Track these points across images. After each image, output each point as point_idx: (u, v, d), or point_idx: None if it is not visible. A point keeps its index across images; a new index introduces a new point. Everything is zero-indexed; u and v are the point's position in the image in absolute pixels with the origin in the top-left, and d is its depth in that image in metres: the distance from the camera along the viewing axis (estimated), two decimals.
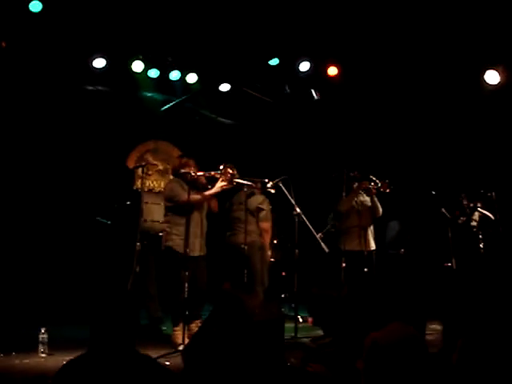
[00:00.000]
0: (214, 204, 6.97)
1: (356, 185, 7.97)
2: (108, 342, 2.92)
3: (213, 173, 6.84)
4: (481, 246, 8.30)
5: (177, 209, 6.70)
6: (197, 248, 6.74)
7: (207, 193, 6.74)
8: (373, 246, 8.05)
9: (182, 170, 6.80)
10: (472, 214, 8.50)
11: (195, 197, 6.65)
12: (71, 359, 2.90)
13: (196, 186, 6.80)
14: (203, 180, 6.83)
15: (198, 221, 6.80)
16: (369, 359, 2.45)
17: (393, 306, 4.28)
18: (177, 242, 6.59)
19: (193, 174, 6.75)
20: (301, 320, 7.85)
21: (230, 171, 6.84)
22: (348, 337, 3.68)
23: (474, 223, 8.59)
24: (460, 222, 8.38)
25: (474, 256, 8.26)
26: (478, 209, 8.49)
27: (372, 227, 8.14)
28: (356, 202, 8.02)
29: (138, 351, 2.99)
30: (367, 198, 8.08)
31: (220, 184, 6.71)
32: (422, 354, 2.37)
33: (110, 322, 2.93)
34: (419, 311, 5.57)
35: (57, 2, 8.17)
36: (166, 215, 6.95)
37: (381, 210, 8.07)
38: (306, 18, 8.75)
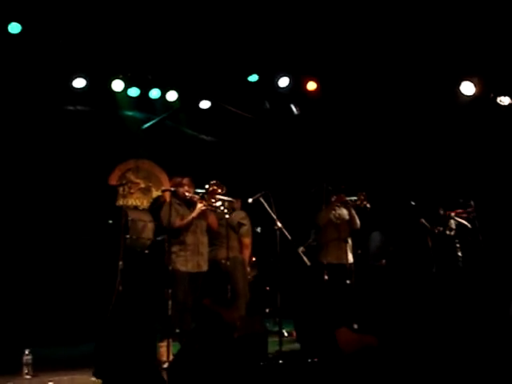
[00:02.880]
0: (212, 220, 7.06)
1: (333, 198, 8.02)
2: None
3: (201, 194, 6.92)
4: (459, 254, 8.40)
5: (168, 230, 6.77)
6: (193, 265, 6.80)
7: (189, 217, 6.81)
8: (350, 259, 8.06)
9: (172, 189, 6.87)
10: (447, 224, 8.60)
11: (180, 223, 6.76)
12: None
13: (190, 204, 6.90)
14: (196, 200, 6.89)
15: (193, 238, 6.88)
16: None
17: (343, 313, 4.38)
18: (173, 260, 6.65)
19: (187, 194, 6.84)
20: (286, 334, 7.89)
21: (218, 189, 6.91)
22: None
23: (451, 232, 8.68)
24: (436, 231, 8.48)
25: (452, 264, 8.35)
26: (455, 217, 8.60)
27: (350, 240, 8.16)
28: (334, 215, 8.06)
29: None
30: (345, 211, 8.11)
31: (199, 206, 6.79)
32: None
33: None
34: (397, 322, 5.63)
35: (36, 24, 8.21)
36: (164, 233, 7.05)
37: (358, 222, 8.09)
38: (284, 34, 8.84)
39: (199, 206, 6.79)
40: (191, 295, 6.68)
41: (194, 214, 6.81)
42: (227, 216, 7.16)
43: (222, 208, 6.97)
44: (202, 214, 6.86)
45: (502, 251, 8.52)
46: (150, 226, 7.50)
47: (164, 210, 6.94)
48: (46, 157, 8.91)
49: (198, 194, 6.93)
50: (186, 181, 6.97)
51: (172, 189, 6.77)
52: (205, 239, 7.03)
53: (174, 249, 6.70)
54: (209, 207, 6.84)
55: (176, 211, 6.77)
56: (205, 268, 6.94)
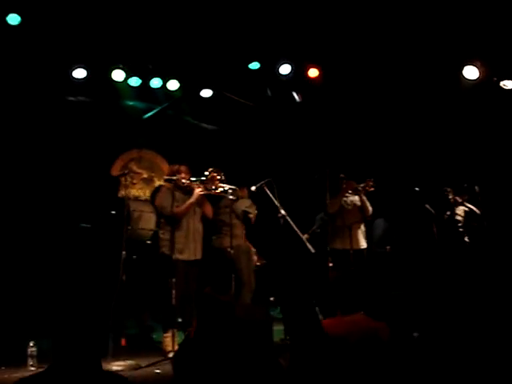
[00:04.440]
0: (208, 209, 7.03)
1: (344, 185, 8.04)
2: (71, 359, 2.82)
3: (199, 181, 6.88)
4: (466, 239, 8.35)
5: (167, 216, 6.73)
6: (190, 253, 6.77)
7: (187, 202, 6.77)
8: (364, 244, 8.12)
9: (171, 177, 6.82)
10: (457, 209, 8.55)
11: (178, 209, 6.70)
12: (23, 378, 2.83)
13: (187, 192, 6.85)
14: (194, 186, 6.85)
15: (189, 226, 6.85)
16: None
17: (359, 298, 4.35)
18: (169, 248, 6.60)
19: (183, 181, 6.77)
20: None
21: (217, 176, 6.89)
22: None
23: (459, 218, 8.64)
24: (445, 217, 8.44)
25: (460, 250, 8.31)
26: (464, 203, 8.56)
27: (362, 226, 8.21)
28: (345, 201, 8.11)
29: (102, 369, 2.91)
30: (356, 198, 8.17)
31: (197, 191, 6.76)
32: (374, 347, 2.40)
33: (75, 339, 2.84)
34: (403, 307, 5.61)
35: (35, 14, 8.17)
36: (159, 221, 6.98)
37: (370, 208, 8.15)
38: (285, 21, 8.78)
39: (197, 190, 6.75)
40: (189, 283, 6.65)
41: (192, 200, 6.77)
42: (231, 197, 7.11)
43: (224, 194, 6.95)
44: (200, 200, 6.81)
45: (506, 237, 8.49)
46: (152, 216, 7.47)
47: (161, 197, 6.91)
48: (47, 148, 8.86)
49: (195, 181, 6.89)
50: (183, 168, 6.93)
51: (174, 178, 6.72)
52: (200, 227, 7.00)
53: (169, 236, 6.63)
54: (207, 192, 6.81)
55: (170, 197, 6.69)
56: (199, 256, 6.90)
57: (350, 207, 8.10)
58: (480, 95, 9.11)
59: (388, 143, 9.94)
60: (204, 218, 7.06)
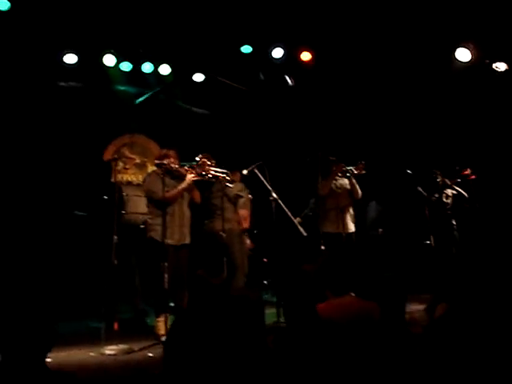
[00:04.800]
0: (196, 195, 6.98)
1: (334, 168, 8.02)
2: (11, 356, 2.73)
3: (188, 166, 6.85)
4: (453, 222, 8.36)
5: (156, 201, 6.71)
6: (179, 237, 6.75)
7: (179, 187, 6.74)
8: (352, 228, 8.11)
9: (161, 161, 6.77)
10: (445, 191, 8.56)
11: (169, 194, 6.64)
12: None
13: (176, 176, 6.81)
14: (183, 171, 6.82)
15: (179, 211, 6.81)
16: None
17: (348, 279, 4.33)
18: (158, 233, 6.55)
19: (172, 165, 6.74)
20: None
21: (208, 162, 6.85)
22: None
23: (448, 200, 8.64)
24: (433, 199, 8.45)
25: (448, 233, 8.32)
26: (452, 185, 8.56)
27: (351, 209, 8.20)
28: (335, 184, 8.09)
29: (47, 368, 2.82)
30: (346, 181, 8.15)
31: (189, 177, 6.73)
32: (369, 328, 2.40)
33: (18, 334, 2.75)
34: (396, 290, 5.61)
35: (25, 0, 8.12)
36: (147, 206, 6.96)
37: (360, 192, 8.14)
38: (276, 4, 8.75)
39: (189, 176, 6.73)
40: (180, 268, 6.66)
41: (184, 185, 6.73)
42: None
43: (214, 180, 6.93)
44: (189, 185, 6.81)
45: (499, 219, 8.51)
46: (145, 200, 7.45)
47: (150, 182, 6.88)
48: (39, 133, 8.83)
49: (184, 165, 6.86)
50: (171, 153, 6.89)
51: (165, 162, 6.68)
52: (188, 212, 6.96)
53: (159, 221, 6.57)
54: (199, 177, 6.79)
55: (160, 181, 6.61)
56: (188, 240, 6.87)
57: (339, 190, 8.09)
58: (472, 77, 9.10)
59: (380, 126, 9.93)
60: (192, 203, 7.02)
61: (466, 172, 8.32)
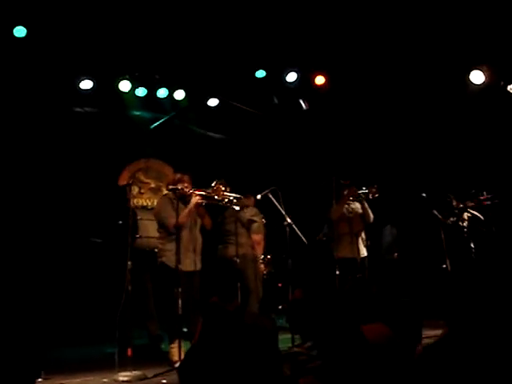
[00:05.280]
0: (207, 221, 6.92)
1: (346, 192, 7.98)
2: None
3: (202, 191, 6.83)
4: (472, 245, 8.27)
5: (166, 226, 6.68)
6: (190, 263, 6.69)
7: (185, 211, 6.68)
8: (364, 253, 8.03)
9: (175, 186, 6.76)
10: (461, 215, 8.48)
11: (181, 218, 6.59)
12: None
13: (188, 201, 6.78)
14: (191, 193, 6.80)
15: (190, 236, 6.75)
16: None
17: (372, 308, 4.28)
18: (170, 258, 6.52)
19: (186, 190, 6.73)
20: None
21: (222, 188, 6.82)
22: (327, 342, 3.68)
23: (464, 223, 8.56)
24: (450, 222, 8.37)
25: (466, 256, 8.23)
26: (468, 209, 8.48)
27: (363, 234, 8.12)
28: (347, 209, 8.02)
29: None
30: (358, 205, 8.07)
31: (194, 199, 6.68)
32: (394, 355, 2.38)
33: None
34: (413, 315, 5.54)
35: (41, 27, 8.22)
36: (158, 231, 6.93)
37: (372, 216, 8.06)
38: (290, 29, 8.79)
39: (195, 199, 6.68)
40: (192, 294, 6.61)
41: (189, 207, 6.65)
42: (236, 208, 7.06)
43: (228, 204, 6.90)
44: (200, 211, 6.78)
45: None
46: (156, 224, 7.42)
47: (160, 207, 6.86)
48: (55, 159, 8.90)
49: (199, 192, 6.83)
50: (186, 177, 6.88)
51: (179, 187, 6.68)
52: (200, 238, 6.91)
53: (170, 246, 6.58)
54: (208, 201, 6.75)
55: (173, 208, 6.60)
56: (199, 267, 6.81)
57: (351, 215, 8.02)
58: (487, 99, 9.07)
59: (395, 149, 9.90)
60: (203, 229, 6.98)
61: (483, 197, 8.24)
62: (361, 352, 3.72)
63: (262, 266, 8.17)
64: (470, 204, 8.36)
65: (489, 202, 8.25)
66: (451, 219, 8.39)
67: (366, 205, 8.02)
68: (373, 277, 7.96)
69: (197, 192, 6.76)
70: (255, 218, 7.77)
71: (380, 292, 7.91)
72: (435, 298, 7.54)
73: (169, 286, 6.39)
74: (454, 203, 8.37)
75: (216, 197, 6.73)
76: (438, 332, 6.77)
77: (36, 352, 2.78)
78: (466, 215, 8.50)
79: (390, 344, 3.89)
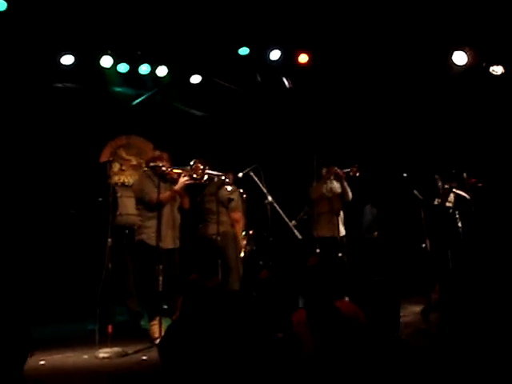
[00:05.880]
0: (186, 201, 6.94)
1: (325, 171, 8.01)
2: None
3: (181, 170, 6.82)
4: (459, 225, 8.33)
5: (147, 203, 6.68)
6: (169, 241, 6.71)
7: (173, 189, 6.71)
8: (342, 231, 8.09)
9: (155, 164, 6.76)
10: (448, 195, 8.53)
11: (163, 196, 6.61)
12: None
13: (167, 179, 6.78)
14: (174, 175, 6.80)
15: (169, 214, 6.76)
16: None
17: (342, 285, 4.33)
18: (150, 235, 6.53)
19: (164, 168, 6.72)
20: None
21: (201, 166, 6.82)
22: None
23: (449, 204, 8.63)
24: (436, 203, 8.42)
25: (454, 236, 8.29)
26: (454, 189, 8.54)
27: (342, 213, 8.17)
28: (326, 188, 8.06)
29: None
30: (337, 184, 8.12)
31: (183, 180, 6.69)
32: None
33: None
34: (390, 294, 5.62)
35: (22, 1, 8.11)
36: (137, 208, 6.92)
37: (351, 194, 8.13)
38: (274, 7, 8.74)
39: (183, 179, 6.69)
40: (171, 271, 6.63)
41: (177, 187, 6.69)
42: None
43: (208, 182, 6.91)
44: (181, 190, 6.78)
45: (497, 222, 8.51)
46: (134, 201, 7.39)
47: (140, 183, 6.86)
48: (35, 135, 8.83)
49: (177, 169, 6.83)
50: (164, 155, 6.87)
51: (160, 164, 6.67)
52: (178, 216, 6.93)
53: (149, 223, 6.59)
54: (192, 181, 6.76)
55: (154, 185, 6.62)
56: (178, 244, 6.85)
57: (330, 194, 8.06)
58: (469, 81, 9.10)
59: (377, 129, 9.92)
60: (180, 208, 6.98)
61: (473, 180, 8.30)
62: (336, 323, 3.79)
63: (244, 242, 8.18)
64: (454, 184, 8.43)
65: (474, 181, 8.32)
66: (437, 200, 8.44)
67: (346, 184, 8.07)
68: (352, 255, 8.03)
69: (175, 170, 6.77)
70: (232, 196, 7.76)
71: (355, 270, 7.99)
72: (414, 277, 7.66)
73: (149, 263, 6.40)
74: (440, 184, 8.42)
75: (195, 175, 6.72)
76: (417, 309, 6.90)
77: (24, 332, 2.77)
78: (451, 196, 8.56)
79: (358, 319, 3.97)
